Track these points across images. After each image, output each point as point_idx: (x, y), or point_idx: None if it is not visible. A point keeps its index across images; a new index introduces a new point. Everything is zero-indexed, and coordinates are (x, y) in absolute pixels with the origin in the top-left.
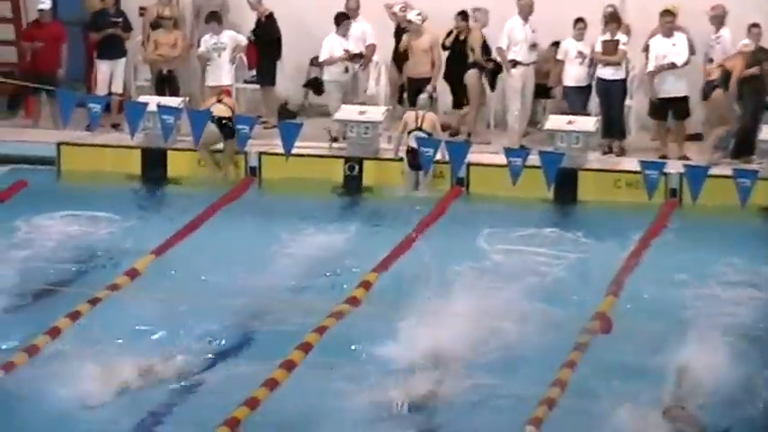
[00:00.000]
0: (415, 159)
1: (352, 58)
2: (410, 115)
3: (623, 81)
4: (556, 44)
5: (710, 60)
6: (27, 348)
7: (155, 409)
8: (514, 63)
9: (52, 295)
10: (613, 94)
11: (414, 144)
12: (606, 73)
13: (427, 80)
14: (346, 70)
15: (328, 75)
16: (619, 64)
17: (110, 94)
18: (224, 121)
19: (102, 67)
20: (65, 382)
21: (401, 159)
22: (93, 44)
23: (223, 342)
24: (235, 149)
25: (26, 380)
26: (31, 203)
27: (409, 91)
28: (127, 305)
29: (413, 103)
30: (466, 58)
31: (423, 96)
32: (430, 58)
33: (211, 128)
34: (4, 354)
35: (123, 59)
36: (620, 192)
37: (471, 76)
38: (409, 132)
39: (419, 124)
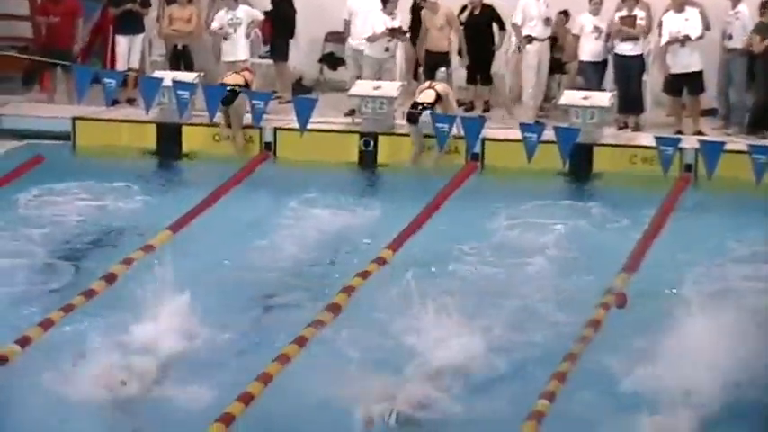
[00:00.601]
0: (414, 114)
1: (393, 33)
2: (424, 84)
3: (641, 56)
4: (563, 13)
5: (729, 37)
6: (42, 323)
7: (167, 385)
8: (530, 39)
9: (67, 271)
10: (631, 70)
11: (421, 99)
12: (624, 48)
13: (444, 55)
14: (387, 49)
15: (371, 51)
16: (637, 38)
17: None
18: (233, 89)
19: (121, 43)
20: (76, 359)
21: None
22: (111, 20)
23: (237, 318)
24: (241, 117)
25: (40, 355)
26: (47, 179)
27: (425, 66)
28: (142, 281)
29: (429, 79)
30: (480, 34)
31: (440, 71)
32: (446, 33)
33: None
34: (18, 329)
35: (141, 35)
36: (635, 167)
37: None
38: (420, 93)
39: (432, 86)
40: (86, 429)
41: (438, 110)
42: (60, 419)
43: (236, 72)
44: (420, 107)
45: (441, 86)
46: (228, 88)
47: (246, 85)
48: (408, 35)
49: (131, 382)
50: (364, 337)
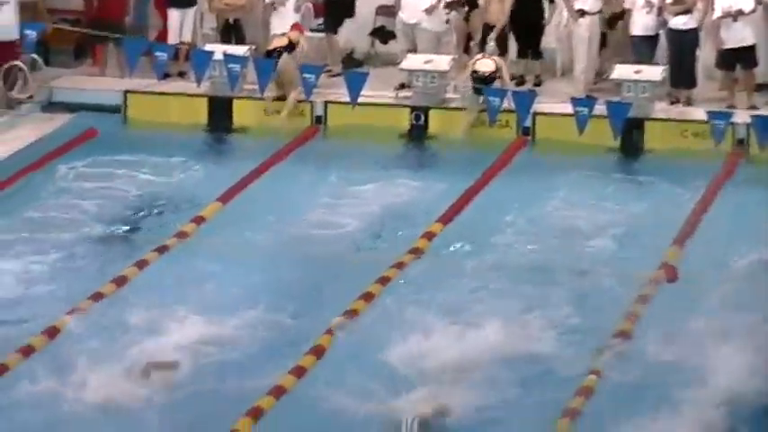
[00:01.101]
0: (479, 83)
1: (450, 5)
2: (478, 55)
3: (695, 30)
4: None
5: None
6: (93, 295)
7: (219, 357)
8: (582, 12)
9: (119, 243)
10: (684, 44)
11: (481, 68)
12: (678, 22)
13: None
14: (447, 21)
15: (429, 24)
16: (691, 11)
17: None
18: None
19: (173, 15)
20: (126, 331)
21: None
22: None
23: (287, 290)
24: (292, 79)
25: (91, 327)
26: (98, 152)
27: (483, 39)
28: (193, 253)
29: (482, 50)
30: (530, 8)
31: (490, 44)
32: (504, 6)
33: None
34: (71, 300)
35: (194, 8)
36: (686, 142)
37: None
38: (476, 63)
39: (488, 57)
40: (136, 394)
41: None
42: (107, 386)
43: (282, 34)
44: (482, 76)
45: (497, 58)
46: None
47: (291, 46)
48: (466, 8)
49: (181, 354)
50: (411, 315)
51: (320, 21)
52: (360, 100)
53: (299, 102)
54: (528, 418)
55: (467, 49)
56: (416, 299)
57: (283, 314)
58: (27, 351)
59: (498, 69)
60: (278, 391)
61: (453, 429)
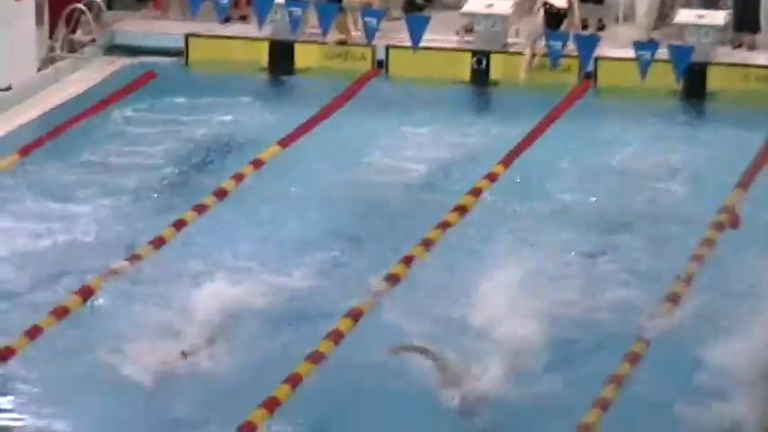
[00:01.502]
0: (551, 19)
1: None
2: None
3: None
4: None
5: None
6: (153, 241)
7: (281, 300)
8: None
9: (179, 186)
10: None
11: (556, 2)
12: None
13: None
14: None
15: None
16: None
17: None
18: None
19: None
20: (184, 277)
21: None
22: None
23: (345, 234)
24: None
25: (150, 273)
26: (159, 95)
27: None
28: (252, 197)
29: None
30: None
31: None
32: None
33: None
34: (130, 247)
35: None
36: (749, 86)
37: None
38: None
39: None
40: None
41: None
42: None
43: None
44: (555, 11)
45: None
46: None
47: None
48: None
49: (238, 300)
50: (470, 261)
51: None
52: (421, 44)
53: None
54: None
55: None
56: (476, 244)
57: (341, 259)
58: (86, 293)
59: (570, 6)
60: (336, 336)
61: (534, 372)
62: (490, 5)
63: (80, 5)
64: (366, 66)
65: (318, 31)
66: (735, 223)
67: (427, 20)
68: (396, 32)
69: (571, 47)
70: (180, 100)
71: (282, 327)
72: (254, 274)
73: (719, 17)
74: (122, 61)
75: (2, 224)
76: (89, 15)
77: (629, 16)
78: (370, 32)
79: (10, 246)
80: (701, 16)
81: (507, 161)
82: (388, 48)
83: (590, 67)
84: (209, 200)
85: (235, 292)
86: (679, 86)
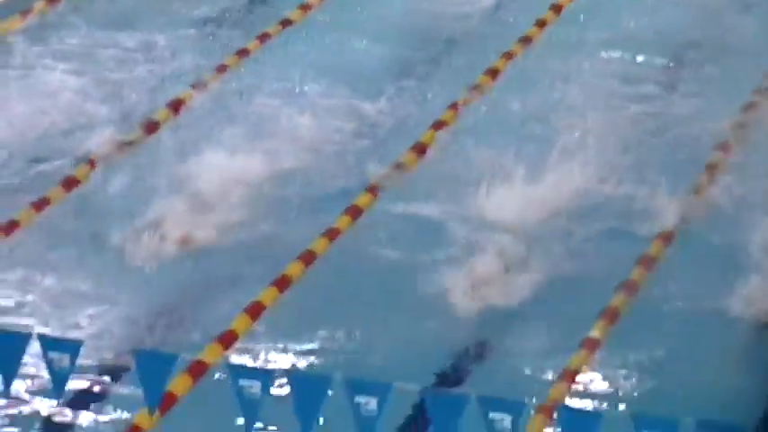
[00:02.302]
0: None
1: None
2: None
3: None
4: None
5: None
6: (217, 68)
7: (346, 130)
8: None
9: (242, 15)
10: None
11: None
12: None
13: None
14: None
15: None
16: None
17: None
18: None
19: None
20: (249, 104)
21: None
22: None
23: (409, 66)
24: None
25: (214, 101)
26: None
27: None
28: (318, 26)
29: None
30: None
31: None
32: None
33: None
34: (195, 73)
35: None
36: None
37: None
38: None
39: None
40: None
41: None
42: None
43: None
44: None
45: None
46: None
47: None
48: None
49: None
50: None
51: None
52: None
53: None
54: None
55: None
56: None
57: (392, 100)
58: (152, 127)
59: None
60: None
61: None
62: None
63: None
64: None
65: None
66: None
67: None
68: None
69: None
70: None
71: (342, 158)
72: (313, 102)
73: None
74: None
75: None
76: None
77: None
78: None
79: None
80: None
81: None
82: None
83: None
84: (273, 29)
85: (297, 119)
86: None
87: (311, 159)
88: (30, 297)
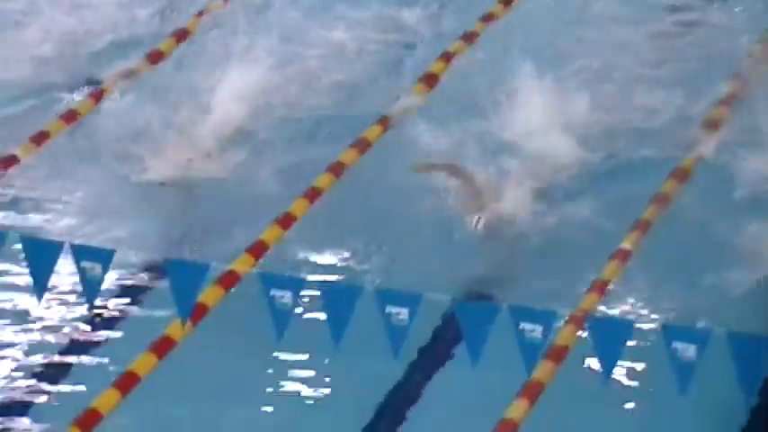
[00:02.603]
0: None
1: None
2: None
3: None
4: None
5: None
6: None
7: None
8: None
9: None
10: None
11: None
12: None
13: None
14: None
15: None
16: None
17: None
18: None
19: None
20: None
21: None
22: None
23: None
24: None
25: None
26: None
27: None
28: None
29: None
30: None
31: None
32: None
33: None
34: None
35: None
36: None
37: None
38: None
39: None
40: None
41: None
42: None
43: None
44: None
45: None
46: None
47: None
48: None
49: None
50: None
51: None
52: None
53: None
54: None
55: None
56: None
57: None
58: (180, 36)
59: None
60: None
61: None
62: None
63: None
64: None
65: None
66: None
67: None
68: None
69: None
70: None
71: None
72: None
73: None
74: None
75: None
76: None
77: None
78: None
79: None
80: None
81: None
82: None
83: None
84: None
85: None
86: None
87: (346, 72)
88: (61, 211)
